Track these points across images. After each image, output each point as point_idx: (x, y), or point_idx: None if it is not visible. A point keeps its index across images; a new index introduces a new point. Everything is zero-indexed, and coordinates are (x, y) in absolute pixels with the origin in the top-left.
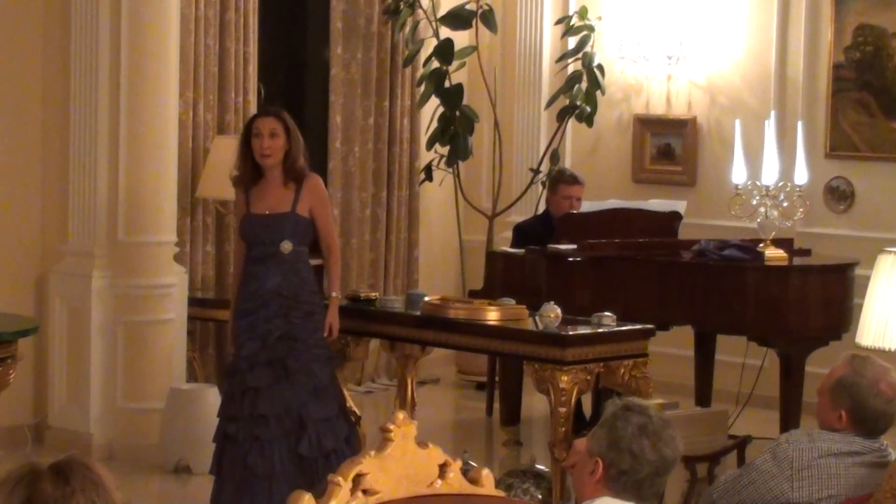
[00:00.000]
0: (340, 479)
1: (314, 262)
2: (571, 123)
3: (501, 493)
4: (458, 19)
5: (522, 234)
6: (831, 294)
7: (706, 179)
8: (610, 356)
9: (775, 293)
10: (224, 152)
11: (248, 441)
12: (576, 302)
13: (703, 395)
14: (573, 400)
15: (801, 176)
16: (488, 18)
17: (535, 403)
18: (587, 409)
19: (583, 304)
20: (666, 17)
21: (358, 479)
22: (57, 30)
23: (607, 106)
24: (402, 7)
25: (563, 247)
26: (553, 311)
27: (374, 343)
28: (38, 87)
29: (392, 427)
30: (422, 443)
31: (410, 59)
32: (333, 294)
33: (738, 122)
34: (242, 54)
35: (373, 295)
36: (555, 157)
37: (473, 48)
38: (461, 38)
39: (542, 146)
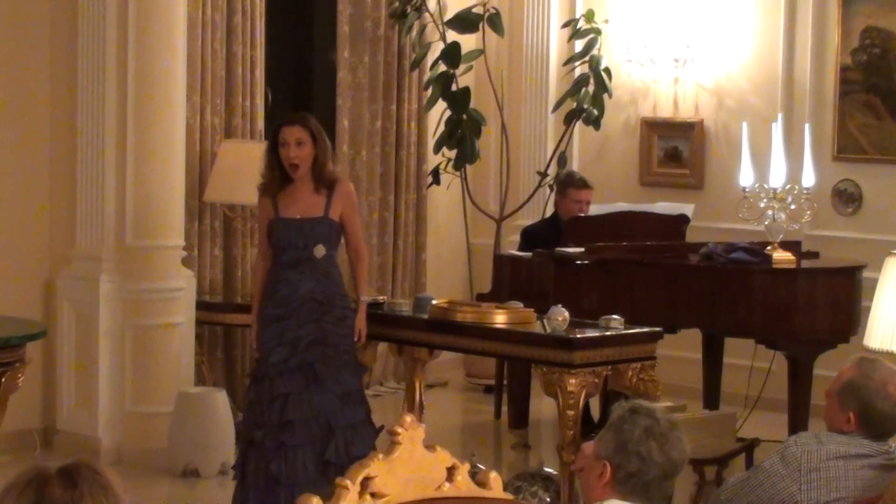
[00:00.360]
0: (348, 482)
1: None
2: (579, 126)
3: (510, 497)
4: (464, 23)
5: (530, 237)
6: (839, 297)
7: (714, 182)
8: (618, 359)
9: (783, 296)
10: (232, 156)
11: (273, 448)
12: (583, 305)
13: (712, 397)
14: (581, 403)
15: (809, 178)
16: (495, 22)
17: (543, 406)
18: (595, 412)
19: (590, 307)
20: (673, 20)
21: (366, 482)
22: (64, 34)
23: (614, 109)
24: (408, 11)
25: (570, 250)
26: (561, 315)
27: (382, 346)
28: (46, 92)
29: (400, 430)
30: (430, 446)
31: (417, 63)
32: (363, 298)
33: (745, 125)
34: (249, 58)
35: (381, 298)
36: (562, 160)
37: (480, 51)
38: (468, 42)
39: (550, 149)
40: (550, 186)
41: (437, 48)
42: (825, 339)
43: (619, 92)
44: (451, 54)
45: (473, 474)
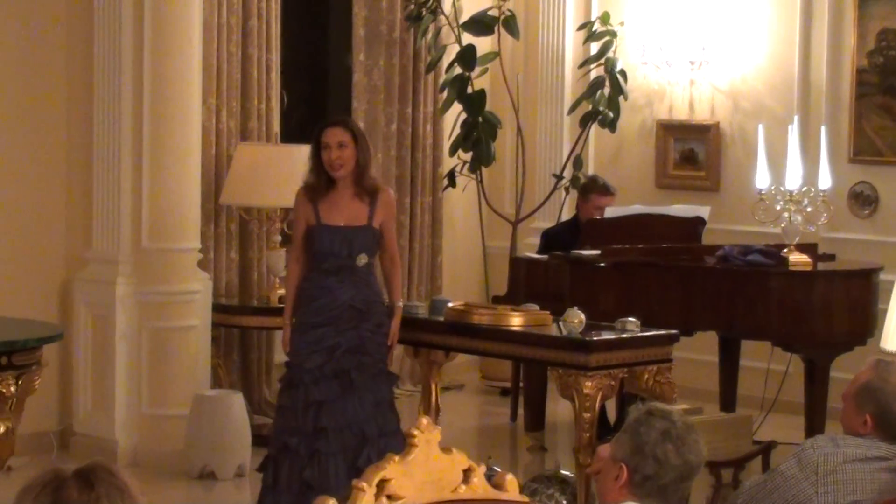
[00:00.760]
0: (364, 484)
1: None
2: (594, 129)
3: (526, 499)
4: (480, 25)
5: (551, 239)
6: (856, 299)
7: (730, 185)
8: (634, 361)
9: (799, 298)
10: (247, 159)
11: (307, 455)
12: (600, 307)
13: (728, 400)
14: (597, 405)
15: (825, 181)
16: (510, 24)
17: (559, 409)
18: (611, 414)
19: (607, 310)
20: (688, 22)
21: (382, 484)
22: (80, 38)
23: (630, 111)
24: (424, 13)
25: (586, 252)
26: (577, 317)
27: (399, 349)
28: (63, 96)
29: (416, 432)
30: (446, 448)
31: (433, 66)
32: (398, 304)
33: (761, 127)
34: (265, 61)
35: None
36: (578, 162)
37: (496, 54)
38: (483, 44)
39: (565, 152)
40: (566, 189)
41: (452, 51)
42: (842, 341)
43: (635, 94)
44: (467, 57)
45: (489, 477)
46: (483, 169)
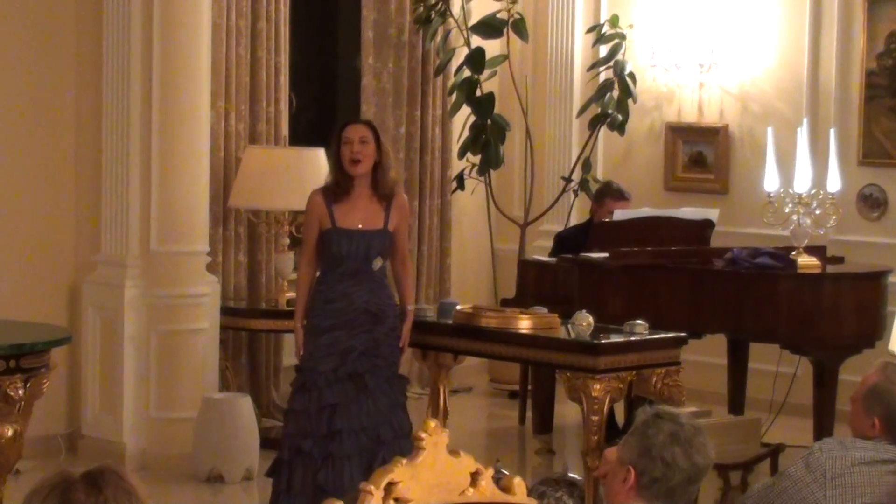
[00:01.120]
0: (372, 487)
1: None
2: (603, 131)
3: (534, 502)
4: (489, 28)
5: (563, 242)
6: (864, 302)
7: (738, 187)
8: (642, 364)
9: (808, 301)
10: (256, 162)
11: (321, 458)
12: (608, 310)
13: (736, 403)
14: (606, 408)
15: (834, 183)
16: (519, 27)
17: (567, 412)
18: (620, 417)
19: (615, 313)
20: (697, 25)
21: (390, 487)
22: (89, 41)
23: (639, 114)
24: (433, 16)
25: (595, 255)
26: (585, 320)
27: (407, 352)
28: (71, 99)
29: (424, 435)
30: (454, 451)
31: (442, 69)
32: (409, 307)
33: (770, 130)
34: (274, 64)
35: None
36: (587, 165)
37: (505, 57)
38: (492, 47)
39: (574, 155)
40: (575, 192)
41: (461, 53)
42: (850, 344)
43: (644, 97)
44: (476, 60)
45: (497, 480)
46: (492, 172)
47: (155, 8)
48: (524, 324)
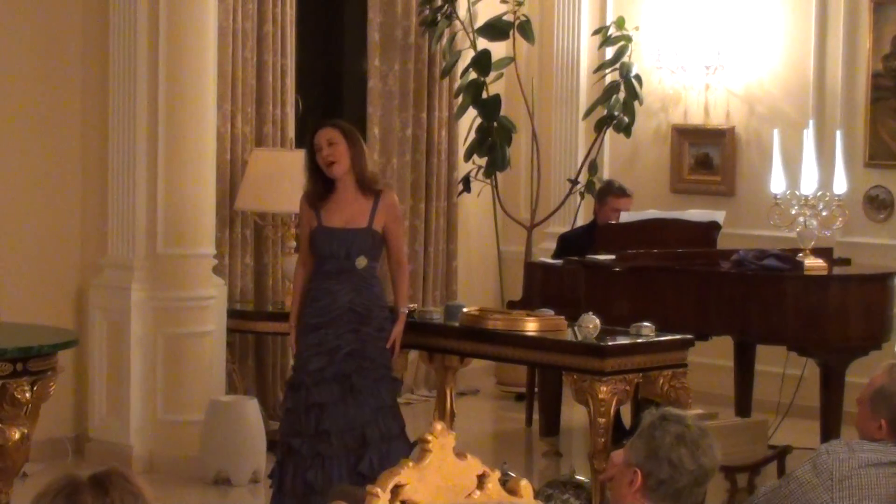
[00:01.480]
0: (379, 489)
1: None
2: (609, 134)
3: None
4: (495, 30)
5: (567, 243)
6: (871, 303)
7: (745, 189)
8: (649, 366)
9: (815, 303)
10: (262, 164)
11: (310, 456)
12: (615, 312)
13: (743, 405)
14: (612, 410)
15: (840, 185)
16: (525, 29)
17: (574, 414)
18: (627, 419)
19: (622, 315)
20: (703, 27)
21: (397, 489)
22: (95, 44)
23: (645, 116)
24: (439, 18)
25: (601, 257)
26: (592, 322)
27: (414, 354)
28: (77, 102)
29: (431, 438)
30: (460, 453)
31: (448, 71)
32: (402, 310)
33: (776, 132)
34: (280, 67)
35: (411, 306)
36: (593, 167)
37: (511, 59)
38: (498, 49)
39: (580, 157)
40: (581, 194)
41: (467, 56)
42: (857, 345)
43: (650, 99)
44: (482, 62)
45: (504, 482)
46: (498, 174)
47: (161, 11)
48: (531, 326)
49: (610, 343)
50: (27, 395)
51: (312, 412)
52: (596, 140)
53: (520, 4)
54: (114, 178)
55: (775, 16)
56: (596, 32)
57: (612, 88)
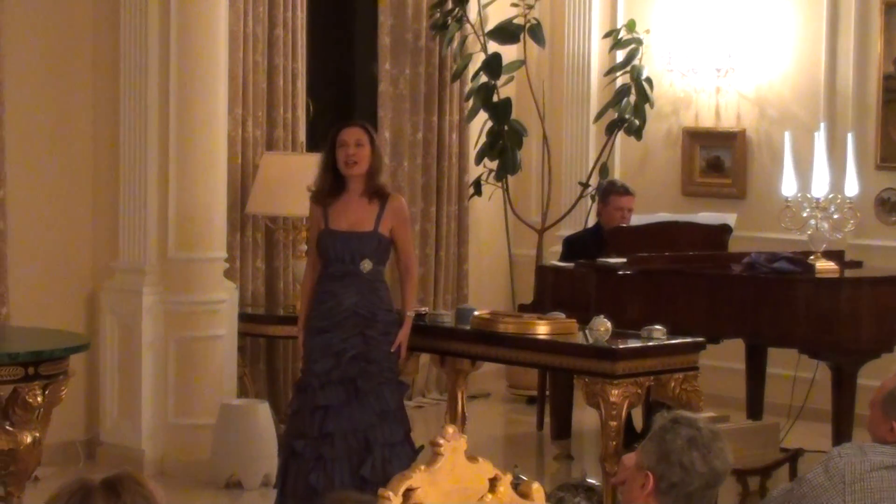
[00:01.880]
0: (390, 493)
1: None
2: (620, 137)
3: None
4: (505, 34)
5: (572, 246)
6: (883, 306)
7: (756, 192)
8: (660, 369)
9: (826, 306)
10: (273, 168)
11: (313, 459)
12: (626, 315)
13: (755, 408)
14: (624, 413)
15: (852, 188)
16: (536, 32)
17: (585, 417)
18: (638, 422)
19: (633, 318)
20: (714, 30)
21: (408, 493)
22: (106, 48)
23: (656, 119)
24: (449, 22)
25: (612, 260)
26: (603, 325)
27: (425, 358)
28: (89, 105)
29: (442, 441)
30: (472, 457)
31: (458, 74)
32: (408, 313)
33: (787, 135)
34: (291, 70)
35: (423, 309)
36: (604, 170)
37: (521, 62)
38: (509, 53)
39: (591, 160)
40: (592, 197)
41: (478, 59)
42: (869, 348)
43: (661, 102)
44: (493, 65)
45: (516, 485)
46: (509, 177)
47: (172, 15)
48: (542, 329)
49: (621, 346)
50: (39, 398)
51: (317, 414)
52: (607, 143)
53: (530, 8)
54: (125, 181)
55: (786, 18)
56: (607, 35)
57: (623, 91)
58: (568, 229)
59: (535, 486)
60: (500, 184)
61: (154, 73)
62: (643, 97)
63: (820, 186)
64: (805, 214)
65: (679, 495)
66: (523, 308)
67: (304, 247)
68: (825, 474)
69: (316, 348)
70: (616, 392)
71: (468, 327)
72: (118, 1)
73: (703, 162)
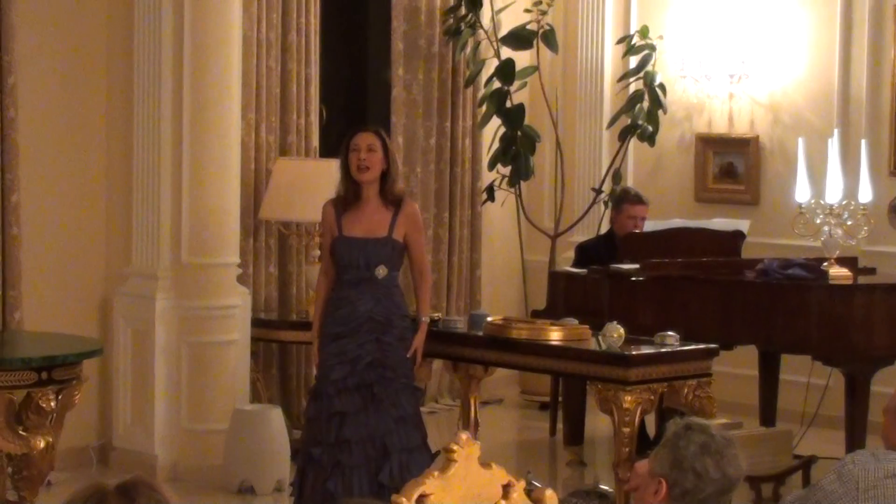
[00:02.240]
0: (404, 499)
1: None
2: (633, 143)
3: None
4: (519, 39)
5: (585, 252)
6: None
7: (769, 198)
8: (673, 376)
9: (840, 312)
10: (286, 173)
11: (330, 465)
12: (639, 321)
13: (768, 414)
14: (637, 420)
15: (866, 194)
16: (549, 38)
17: (598, 423)
18: (651, 429)
19: (646, 324)
20: (728, 36)
21: (422, 499)
22: (120, 54)
23: (669, 125)
24: (463, 28)
25: (625, 266)
26: (616, 331)
27: (438, 363)
28: (102, 111)
29: (456, 447)
30: (485, 463)
31: (472, 80)
32: (423, 319)
33: (801, 141)
34: (304, 76)
35: (435, 315)
36: (617, 176)
37: (535, 68)
38: (522, 58)
39: (604, 166)
40: (605, 203)
41: (491, 65)
42: (882, 355)
43: (674, 108)
44: (506, 71)
45: (529, 491)
46: (522, 183)
47: (186, 20)
48: (555, 335)
49: (634, 352)
50: (52, 403)
51: (333, 421)
52: (620, 149)
53: (544, 13)
54: (138, 187)
55: (799, 24)
56: (620, 41)
57: (636, 97)
58: (581, 235)
59: (549, 492)
60: (512, 189)
61: (168, 78)
62: (656, 103)
63: (833, 193)
64: (818, 221)
65: (692, 502)
66: (536, 314)
67: (317, 252)
68: (839, 481)
69: (331, 355)
70: (629, 398)
71: (481, 333)
72: (132, 6)
73: (717, 168)
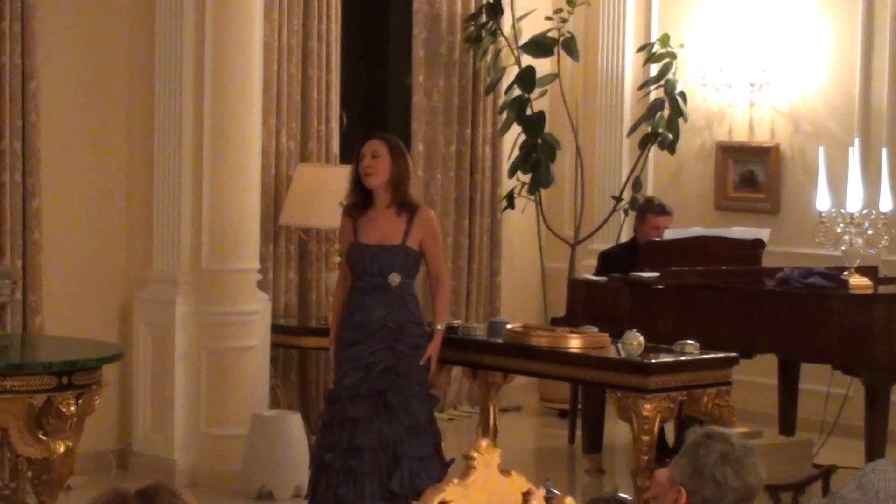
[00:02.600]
0: None
1: None
2: (653, 151)
3: None
4: (539, 47)
5: (608, 261)
6: None
7: (790, 207)
8: (693, 384)
9: (860, 321)
10: (307, 179)
11: (342, 471)
12: (658, 330)
13: (788, 423)
14: (656, 428)
15: (886, 203)
16: (570, 46)
17: (617, 431)
18: (670, 437)
19: (665, 332)
20: (748, 44)
21: None
22: (141, 59)
23: (689, 133)
24: (483, 35)
25: (645, 274)
26: (636, 339)
27: (457, 370)
28: (123, 116)
29: (475, 454)
30: (505, 470)
31: (492, 87)
32: (438, 326)
33: (821, 150)
34: (325, 82)
35: (455, 322)
36: (637, 184)
37: (555, 76)
38: (543, 66)
39: (625, 174)
40: (625, 211)
41: (511, 72)
42: None
43: (695, 116)
44: (526, 78)
45: (548, 499)
46: (542, 190)
47: (207, 27)
48: (574, 343)
49: (654, 360)
50: (72, 408)
51: (346, 427)
52: (640, 157)
53: (564, 21)
54: (159, 192)
55: (820, 33)
56: (640, 49)
57: (657, 105)
58: (601, 243)
59: (568, 500)
60: (532, 197)
61: (189, 84)
62: (677, 111)
63: (854, 202)
64: (839, 230)
65: None
66: (556, 321)
67: (337, 258)
68: (859, 490)
69: (346, 361)
70: (648, 406)
71: (500, 340)
72: (153, 12)
73: (737, 176)
